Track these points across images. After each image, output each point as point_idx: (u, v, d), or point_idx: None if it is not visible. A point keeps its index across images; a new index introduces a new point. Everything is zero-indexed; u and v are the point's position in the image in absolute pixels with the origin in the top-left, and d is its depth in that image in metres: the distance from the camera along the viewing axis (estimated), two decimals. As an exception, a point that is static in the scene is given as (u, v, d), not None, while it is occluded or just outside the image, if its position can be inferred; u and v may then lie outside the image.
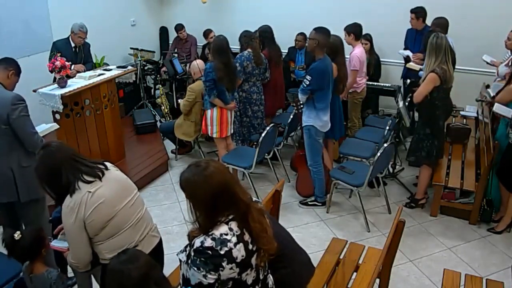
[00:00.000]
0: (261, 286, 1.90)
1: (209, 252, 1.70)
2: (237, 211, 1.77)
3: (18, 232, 2.24)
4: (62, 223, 2.21)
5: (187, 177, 1.76)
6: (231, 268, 1.72)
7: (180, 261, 1.83)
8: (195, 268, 1.72)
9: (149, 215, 2.42)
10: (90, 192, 2.11)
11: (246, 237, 1.78)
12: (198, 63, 4.93)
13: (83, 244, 2.17)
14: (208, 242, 1.71)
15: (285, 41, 5.83)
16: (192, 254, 1.74)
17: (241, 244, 1.75)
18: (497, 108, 3.87)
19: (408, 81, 4.97)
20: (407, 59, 5.24)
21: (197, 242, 1.74)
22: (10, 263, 2.53)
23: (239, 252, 1.73)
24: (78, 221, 2.10)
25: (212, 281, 1.71)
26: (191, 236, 1.85)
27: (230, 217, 1.77)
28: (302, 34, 6.03)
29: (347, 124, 5.21)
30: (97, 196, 2.12)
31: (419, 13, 5.24)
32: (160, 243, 2.44)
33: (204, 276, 1.71)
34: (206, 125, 4.52)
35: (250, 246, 1.78)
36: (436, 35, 3.81)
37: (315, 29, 3.94)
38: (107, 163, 2.32)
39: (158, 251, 2.42)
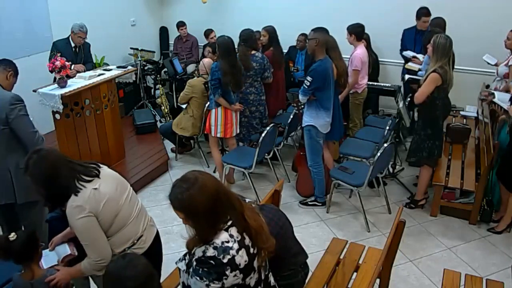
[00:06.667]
0: (264, 286, 1.89)
1: (212, 262, 1.68)
2: (235, 212, 1.75)
3: (13, 234, 2.18)
4: (58, 222, 2.20)
5: (180, 194, 1.70)
6: (235, 275, 1.70)
7: (179, 269, 1.82)
8: (198, 278, 1.70)
9: (144, 207, 2.48)
10: (95, 189, 2.14)
11: (247, 241, 1.76)
12: (205, 63, 4.93)
13: (102, 238, 2.17)
14: (210, 252, 1.69)
15: (285, 41, 5.81)
16: (194, 264, 1.72)
17: (243, 249, 1.73)
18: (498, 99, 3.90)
19: (406, 77, 4.95)
20: (411, 60, 5.23)
21: (198, 252, 1.72)
22: (10, 263, 2.52)
23: (242, 258, 1.72)
24: (91, 216, 2.10)
25: None
26: (190, 246, 1.81)
27: (229, 223, 1.75)
28: (303, 34, 6.03)
29: (349, 124, 5.20)
30: (103, 193, 2.16)
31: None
32: (157, 233, 2.49)
33: (207, 286, 1.69)
34: (210, 124, 4.49)
35: (252, 250, 1.77)
36: (441, 35, 3.80)
37: (313, 29, 3.99)
38: (97, 163, 2.34)
39: (158, 241, 2.48)
